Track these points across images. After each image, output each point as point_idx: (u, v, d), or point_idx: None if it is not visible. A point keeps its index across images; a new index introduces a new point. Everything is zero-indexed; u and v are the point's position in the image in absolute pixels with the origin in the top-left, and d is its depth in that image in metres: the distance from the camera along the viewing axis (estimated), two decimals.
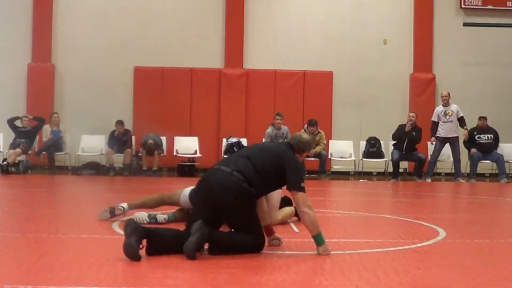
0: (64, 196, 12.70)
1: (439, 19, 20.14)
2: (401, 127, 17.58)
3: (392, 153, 17.61)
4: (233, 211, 5.50)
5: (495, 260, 5.82)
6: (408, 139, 17.38)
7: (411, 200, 12.61)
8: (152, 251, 5.29)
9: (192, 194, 6.25)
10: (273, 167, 5.65)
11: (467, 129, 17.51)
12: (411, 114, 17.72)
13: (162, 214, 7.51)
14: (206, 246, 5.29)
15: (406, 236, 7.18)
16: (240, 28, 19.58)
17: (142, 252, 5.21)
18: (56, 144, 17.72)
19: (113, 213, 7.57)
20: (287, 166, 5.65)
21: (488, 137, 17.81)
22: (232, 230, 5.70)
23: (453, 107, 17.52)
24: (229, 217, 5.60)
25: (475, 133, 17.78)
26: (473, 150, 17.52)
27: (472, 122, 17.67)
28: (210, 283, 4.52)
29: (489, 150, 17.74)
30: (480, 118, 17.95)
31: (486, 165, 18.16)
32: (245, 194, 5.49)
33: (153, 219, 7.39)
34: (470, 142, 17.73)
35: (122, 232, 6.64)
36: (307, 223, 5.63)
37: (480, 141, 17.73)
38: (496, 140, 17.88)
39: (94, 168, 17.66)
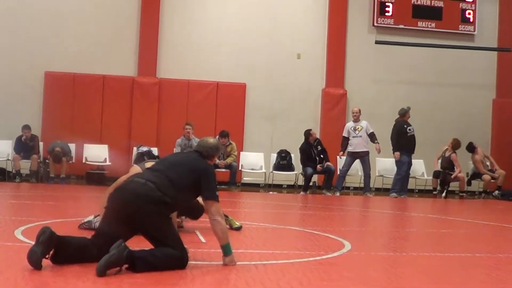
0: None
1: (352, 36, 20.52)
2: (306, 145, 17.71)
3: (305, 169, 17.61)
4: (148, 221, 5.37)
5: (397, 272, 5.93)
6: (316, 152, 17.58)
7: (319, 213, 12.74)
8: (57, 260, 5.22)
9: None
10: (188, 180, 5.62)
11: (378, 143, 17.67)
12: (312, 132, 17.84)
13: None
14: (124, 267, 5.11)
15: (312, 248, 7.25)
16: (154, 37, 19.45)
17: (47, 261, 5.11)
18: None
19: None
20: (201, 177, 5.64)
21: (413, 129, 17.73)
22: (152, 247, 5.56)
23: (363, 123, 17.81)
24: (146, 229, 5.45)
25: (405, 125, 17.68)
26: (397, 154, 17.42)
27: (381, 140, 17.82)
28: None
29: (415, 144, 17.70)
30: (408, 111, 17.84)
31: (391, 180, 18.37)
32: (160, 201, 5.41)
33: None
34: (401, 136, 17.55)
35: (24, 239, 6.53)
36: (218, 231, 5.62)
37: (411, 133, 17.65)
38: None
39: (0, 174, 17.25)
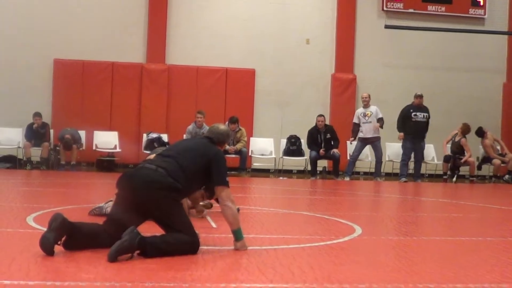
0: None
1: (361, 20, 20.46)
2: (314, 129, 17.75)
3: (310, 152, 17.74)
4: (159, 207, 5.38)
5: (408, 256, 5.93)
6: (324, 140, 17.58)
7: (329, 198, 12.75)
8: (69, 246, 5.23)
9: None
10: (199, 165, 5.61)
11: (380, 122, 17.62)
12: (320, 118, 17.83)
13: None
14: (135, 252, 5.10)
15: (323, 232, 7.25)
16: (163, 23, 19.43)
17: (60, 247, 5.13)
18: None
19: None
20: (212, 163, 5.64)
21: (423, 115, 17.81)
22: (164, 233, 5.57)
23: (372, 108, 17.75)
24: (157, 215, 5.44)
25: (411, 110, 17.79)
26: (401, 135, 17.60)
27: (391, 123, 17.84)
28: (125, 278, 4.46)
29: (423, 130, 17.79)
30: (417, 96, 17.92)
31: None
32: (171, 188, 5.40)
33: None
34: (405, 120, 17.68)
35: (36, 226, 6.56)
36: (229, 217, 5.62)
37: (417, 119, 17.73)
38: (428, 119, 17.92)
39: (11, 162, 17.33)
